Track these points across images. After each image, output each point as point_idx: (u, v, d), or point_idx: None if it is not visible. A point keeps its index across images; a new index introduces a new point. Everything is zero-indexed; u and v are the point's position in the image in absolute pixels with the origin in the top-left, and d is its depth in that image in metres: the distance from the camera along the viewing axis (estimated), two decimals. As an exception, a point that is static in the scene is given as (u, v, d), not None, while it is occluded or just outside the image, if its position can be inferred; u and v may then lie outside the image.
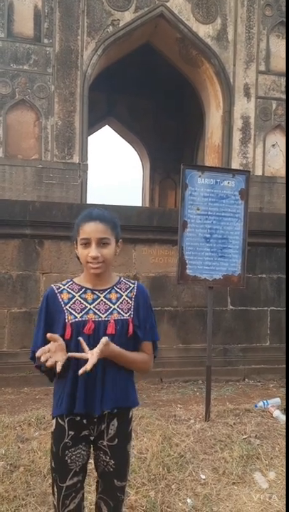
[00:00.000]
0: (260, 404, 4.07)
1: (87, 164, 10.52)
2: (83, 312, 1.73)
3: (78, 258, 1.78)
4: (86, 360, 1.63)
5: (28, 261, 4.93)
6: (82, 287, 1.79)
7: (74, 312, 1.73)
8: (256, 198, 10.65)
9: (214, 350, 4.92)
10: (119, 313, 1.75)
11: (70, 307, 1.74)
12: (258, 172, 11.25)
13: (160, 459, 2.95)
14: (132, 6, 10.42)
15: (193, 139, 14.91)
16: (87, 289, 1.78)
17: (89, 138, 11.50)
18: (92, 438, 1.77)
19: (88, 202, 10.36)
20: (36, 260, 4.95)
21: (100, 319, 1.73)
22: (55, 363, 1.57)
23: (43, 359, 1.55)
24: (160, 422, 3.53)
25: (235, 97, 11.14)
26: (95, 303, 1.76)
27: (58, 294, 1.77)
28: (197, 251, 3.84)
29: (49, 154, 10.19)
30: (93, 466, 1.86)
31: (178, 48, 11.39)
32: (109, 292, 1.79)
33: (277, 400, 4.18)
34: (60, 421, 1.74)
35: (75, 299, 1.76)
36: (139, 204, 16.53)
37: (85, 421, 1.73)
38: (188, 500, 2.62)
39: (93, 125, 14.90)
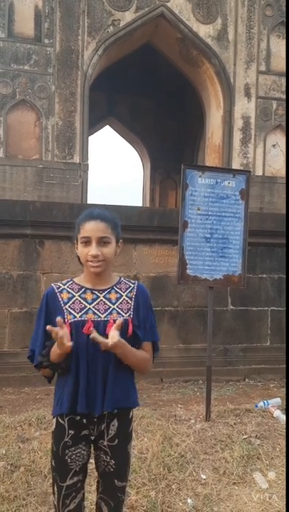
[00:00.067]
0: (261, 404, 4.07)
1: (87, 164, 10.51)
2: (82, 312, 1.73)
3: (79, 258, 1.78)
4: (86, 361, 1.66)
5: (28, 261, 4.94)
6: (82, 287, 1.79)
7: (73, 312, 1.73)
8: (257, 198, 10.64)
9: (215, 350, 4.92)
10: (118, 313, 1.75)
11: (69, 307, 1.74)
12: (259, 172, 11.24)
13: (160, 459, 2.94)
14: (132, 6, 10.42)
15: (193, 139, 14.91)
16: (86, 288, 1.78)
17: (89, 138, 11.49)
18: (92, 438, 1.77)
19: (89, 202, 10.35)
20: (37, 260, 4.96)
21: (99, 319, 1.73)
22: (59, 356, 1.62)
23: (60, 334, 1.58)
24: (160, 422, 3.53)
25: (236, 97, 11.13)
26: (95, 303, 1.76)
27: (58, 294, 1.77)
28: (198, 251, 3.84)
29: (50, 154, 10.18)
30: (94, 466, 1.86)
31: (178, 48, 11.39)
32: (109, 292, 1.79)
33: (278, 400, 4.18)
34: (60, 420, 1.74)
35: (74, 298, 1.76)
36: (140, 204, 16.53)
37: (84, 420, 1.73)
38: (189, 500, 2.62)
39: (94, 125, 14.89)
